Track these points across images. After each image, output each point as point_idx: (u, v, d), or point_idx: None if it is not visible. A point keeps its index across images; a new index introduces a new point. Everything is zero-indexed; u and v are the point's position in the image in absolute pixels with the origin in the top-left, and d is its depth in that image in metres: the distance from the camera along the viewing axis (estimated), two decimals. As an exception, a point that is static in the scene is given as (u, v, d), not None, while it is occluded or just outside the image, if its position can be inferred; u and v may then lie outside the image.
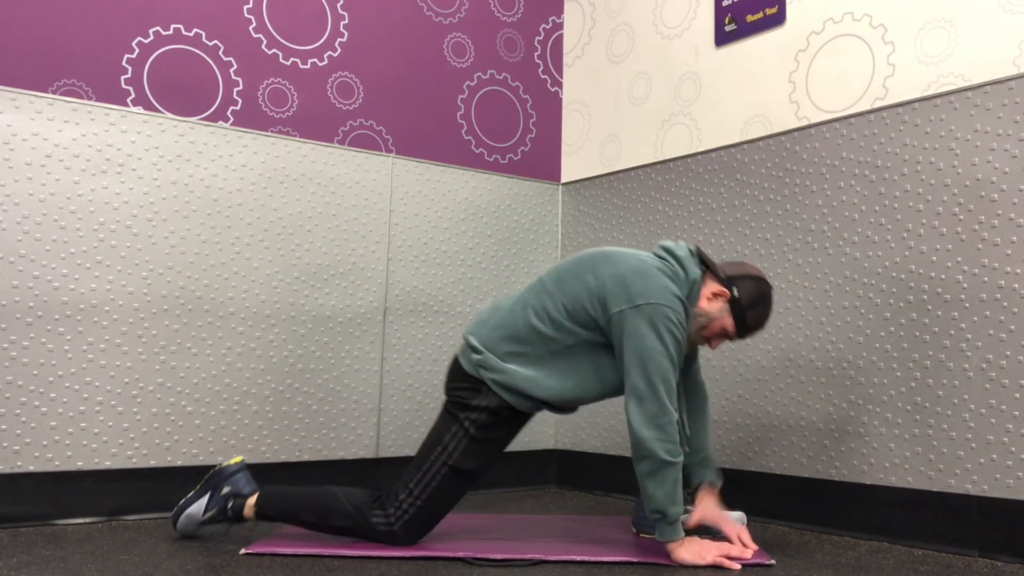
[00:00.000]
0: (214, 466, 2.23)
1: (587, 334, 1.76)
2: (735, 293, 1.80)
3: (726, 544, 1.74)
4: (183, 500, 1.92)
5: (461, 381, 1.83)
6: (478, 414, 1.78)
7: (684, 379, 1.95)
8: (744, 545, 1.77)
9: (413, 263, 2.66)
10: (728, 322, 1.81)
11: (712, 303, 1.80)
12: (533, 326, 1.78)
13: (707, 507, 1.87)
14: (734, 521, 1.84)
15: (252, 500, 1.87)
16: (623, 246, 2.73)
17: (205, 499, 1.90)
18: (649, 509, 1.69)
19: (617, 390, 1.79)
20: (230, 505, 1.87)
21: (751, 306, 1.80)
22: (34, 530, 1.98)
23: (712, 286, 1.81)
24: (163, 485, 2.19)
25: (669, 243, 1.85)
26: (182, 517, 1.90)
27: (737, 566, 1.68)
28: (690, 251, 1.84)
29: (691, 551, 1.69)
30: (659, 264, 1.78)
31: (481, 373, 1.79)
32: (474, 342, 1.82)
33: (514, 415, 1.81)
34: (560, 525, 2.09)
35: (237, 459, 1.95)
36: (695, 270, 1.79)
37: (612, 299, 1.72)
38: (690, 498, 1.92)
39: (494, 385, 1.78)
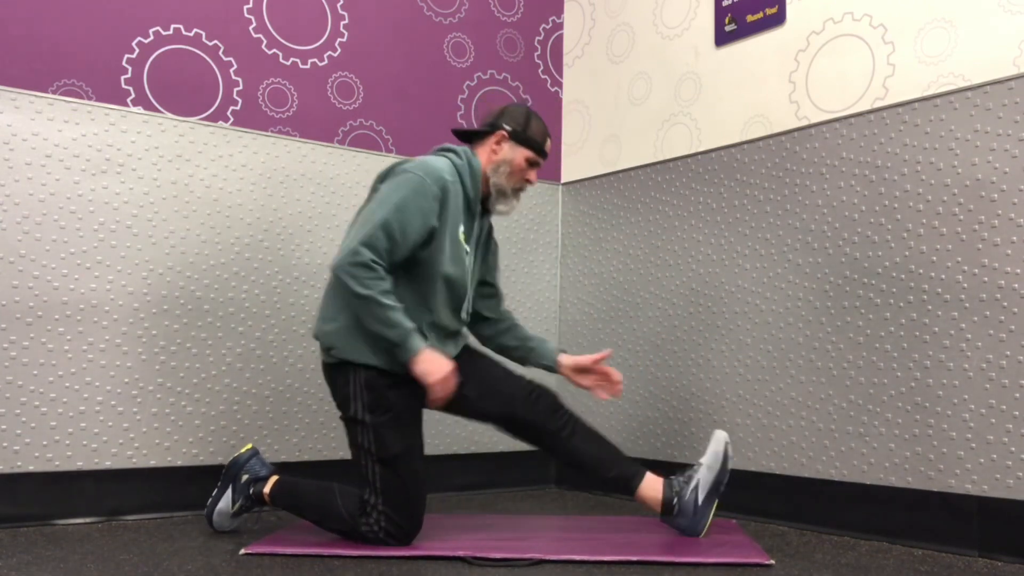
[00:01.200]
0: (214, 466, 2.23)
1: None
2: (506, 127, 1.94)
3: (445, 380, 1.78)
4: (209, 500, 1.98)
5: (333, 380, 1.86)
6: (358, 400, 1.80)
7: (484, 267, 2.07)
8: (606, 372, 2.03)
9: (413, 263, 2.65)
10: (522, 151, 1.94)
11: (498, 150, 1.94)
12: (332, 287, 1.86)
13: (572, 363, 2.04)
14: (590, 356, 2.05)
15: (268, 487, 1.93)
16: (623, 246, 2.73)
17: (229, 492, 1.97)
18: (383, 344, 1.76)
19: (424, 291, 1.85)
20: (252, 491, 1.95)
21: (526, 124, 1.95)
22: (34, 530, 1.98)
23: (488, 141, 1.96)
24: (163, 485, 2.19)
25: (437, 147, 1.99)
26: (215, 516, 1.96)
27: (438, 394, 1.77)
28: (459, 133, 2.01)
29: (423, 367, 1.75)
30: (427, 157, 1.88)
31: (334, 355, 1.83)
32: (317, 338, 1.88)
33: (393, 383, 1.80)
34: (560, 525, 2.09)
35: (247, 447, 2.01)
36: (460, 146, 1.94)
37: (376, 189, 1.86)
38: (553, 369, 2.08)
39: (343, 351, 1.81)
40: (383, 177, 1.88)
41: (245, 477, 1.97)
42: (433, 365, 1.76)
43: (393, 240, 1.76)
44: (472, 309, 2.05)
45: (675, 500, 1.91)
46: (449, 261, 1.85)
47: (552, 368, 2.07)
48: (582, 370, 2.06)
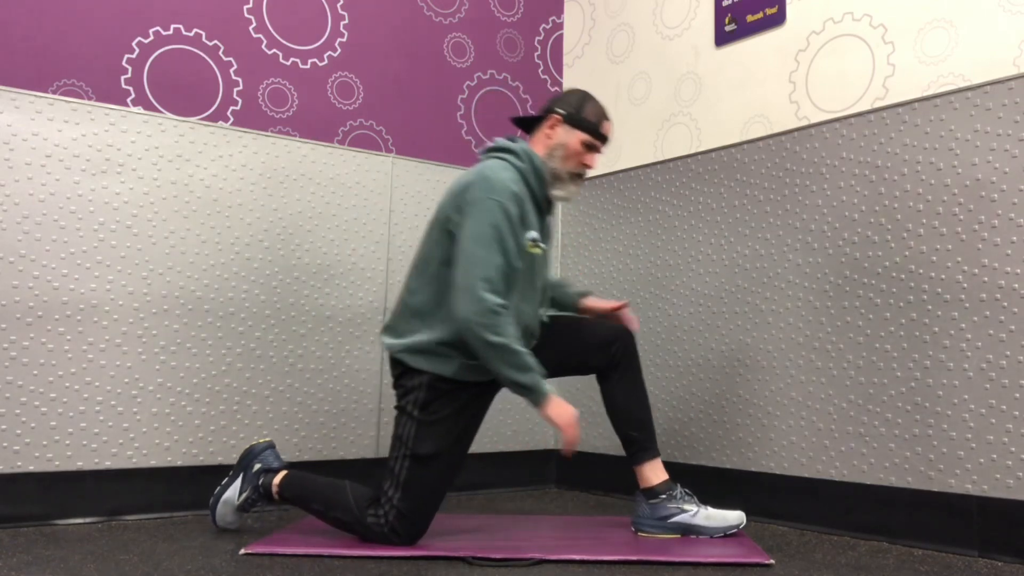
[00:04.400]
0: (214, 466, 2.23)
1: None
2: (560, 110, 1.92)
3: (573, 427, 1.80)
4: (217, 489, 1.98)
5: (395, 369, 1.89)
6: (416, 394, 1.82)
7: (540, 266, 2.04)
8: (621, 312, 2.05)
9: (413, 263, 2.66)
10: (576, 134, 1.92)
11: (553, 134, 1.92)
12: (414, 292, 1.86)
13: (592, 307, 2.10)
14: (610, 302, 2.10)
15: (279, 478, 1.93)
16: (623, 246, 2.73)
17: (238, 482, 1.96)
18: (511, 388, 1.77)
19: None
20: (261, 481, 1.94)
21: (580, 106, 1.93)
22: (34, 530, 1.98)
23: (542, 127, 1.95)
24: (163, 485, 2.19)
25: (488, 144, 1.99)
26: (219, 506, 1.95)
27: (566, 451, 1.80)
28: (506, 137, 1.97)
29: (554, 410, 1.78)
30: (488, 163, 1.86)
31: (400, 356, 1.85)
32: (386, 339, 1.91)
33: (453, 389, 1.83)
34: (560, 525, 2.09)
35: (264, 439, 2.02)
36: (516, 143, 1.92)
37: (453, 222, 1.82)
38: (575, 311, 2.14)
39: (412, 360, 1.83)
40: (458, 207, 1.81)
41: (257, 466, 1.96)
42: (562, 412, 1.79)
43: (503, 276, 1.77)
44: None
45: (663, 496, 1.93)
46: (526, 266, 1.86)
47: (575, 312, 2.14)
48: (603, 314, 2.12)
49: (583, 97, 1.95)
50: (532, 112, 3.07)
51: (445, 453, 1.81)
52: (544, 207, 1.95)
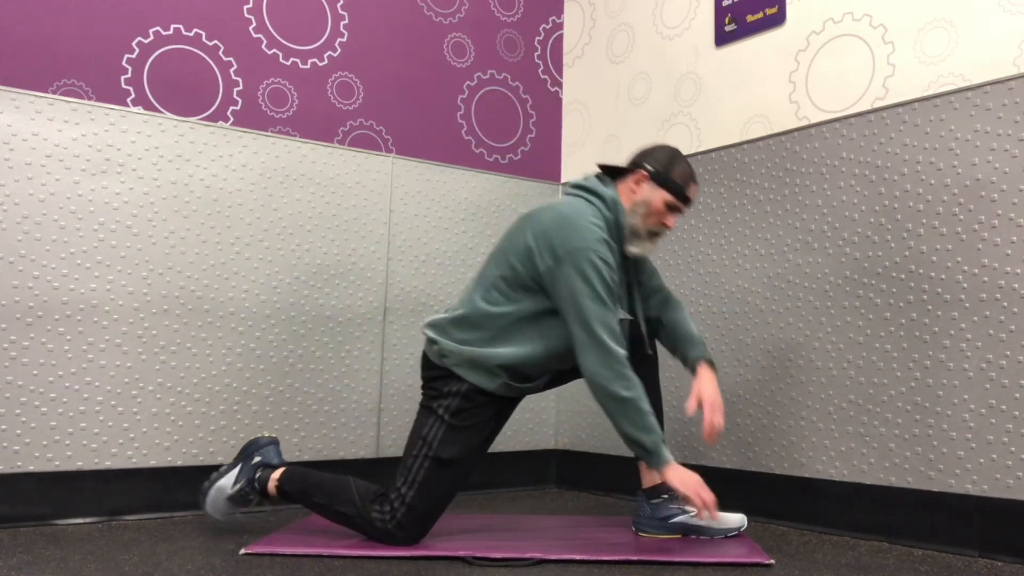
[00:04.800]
0: (214, 466, 2.23)
1: (533, 301, 1.81)
2: (648, 167, 1.89)
3: (701, 491, 1.77)
4: (214, 474, 1.97)
5: (431, 371, 1.88)
6: (450, 400, 1.82)
7: (644, 288, 2.05)
8: (712, 425, 1.87)
9: (413, 263, 2.66)
10: (661, 193, 1.89)
11: (637, 190, 1.89)
12: (481, 309, 1.84)
13: (702, 383, 1.93)
14: (713, 397, 1.90)
15: (277, 475, 1.92)
16: (623, 246, 2.73)
17: (235, 471, 1.95)
18: (629, 446, 1.77)
19: (568, 349, 1.83)
20: (258, 475, 1.93)
21: (669, 166, 1.89)
22: (34, 530, 1.98)
23: (628, 181, 1.91)
24: (163, 485, 2.19)
25: (578, 179, 1.94)
26: (212, 490, 1.94)
27: (704, 514, 1.77)
28: (597, 176, 1.95)
29: (677, 477, 1.76)
30: (577, 204, 1.84)
31: (444, 361, 1.84)
32: (431, 334, 1.88)
33: (489, 401, 1.83)
34: (560, 525, 2.09)
35: (269, 435, 2.02)
36: (607, 189, 1.89)
37: (539, 258, 1.78)
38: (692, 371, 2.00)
39: (457, 368, 1.82)
40: (553, 252, 1.76)
41: (257, 459, 1.95)
42: (686, 478, 1.77)
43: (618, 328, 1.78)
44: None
45: (665, 496, 1.94)
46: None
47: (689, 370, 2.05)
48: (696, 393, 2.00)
49: (672, 156, 1.91)
50: (532, 113, 3.07)
51: (466, 458, 1.82)
52: (618, 259, 1.90)
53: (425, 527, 1.81)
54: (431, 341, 1.88)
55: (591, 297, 1.74)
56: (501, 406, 1.87)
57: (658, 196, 1.88)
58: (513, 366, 1.82)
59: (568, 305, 1.76)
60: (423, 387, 1.90)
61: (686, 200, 1.91)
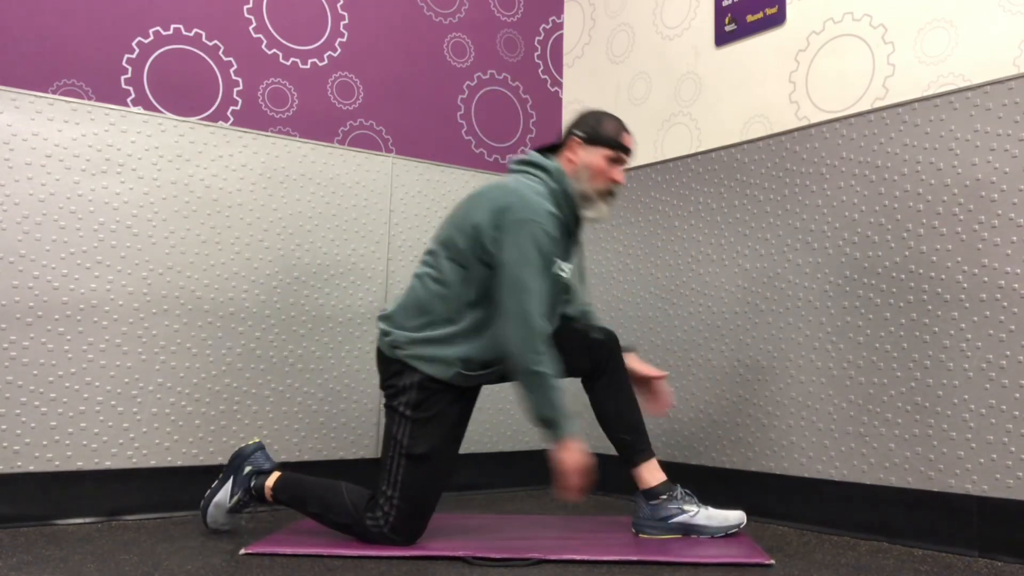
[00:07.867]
0: (214, 466, 2.23)
1: (482, 282, 1.82)
2: (577, 132, 1.94)
3: (575, 475, 1.78)
4: (208, 492, 1.97)
5: (386, 367, 1.88)
6: (408, 394, 1.82)
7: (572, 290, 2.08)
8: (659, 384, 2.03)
9: (413, 263, 2.66)
10: (598, 151, 1.92)
11: (575, 157, 1.92)
12: (432, 291, 1.85)
13: (631, 366, 2.05)
14: (652, 368, 2.07)
15: (272, 480, 1.92)
16: (623, 246, 2.73)
17: (228, 484, 1.95)
18: (537, 420, 1.78)
19: None
20: (253, 484, 1.93)
21: (596, 125, 1.94)
22: (34, 530, 1.98)
23: (564, 153, 1.95)
24: (163, 485, 2.19)
25: (518, 156, 1.98)
26: (210, 508, 1.95)
27: (568, 496, 1.80)
28: (537, 149, 1.99)
29: (565, 454, 1.77)
30: (522, 179, 1.87)
31: (396, 353, 1.84)
32: (383, 326, 1.89)
33: (446, 388, 1.83)
34: (560, 525, 2.09)
35: (253, 440, 2.01)
36: (550, 161, 1.93)
37: (485, 234, 1.80)
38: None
39: (410, 360, 1.83)
40: (497, 224, 1.79)
41: (248, 468, 1.95)
42: (571, 457, 1.78)
43: (546, 300, 1.79)
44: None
45: (663, 497, 1.93)
46: (550, 288, 1.86)
47: None
48: (640, 378, 2.08)
49: (598, 115, 1.96)
50: (532, 112, 3.07)
51: (439, 450, 1.82)
52: (572, 230, 1.94)
53: (418, 525, 1.80)
54: (383, 333, 1.88)
55: (529, 266, 1.75)
56: (459, 392, 1.86)
57: (596, 155, 1.92)
58: (468, 355, 1.82)
59: (505, 272, 1.76)
60: (382, 387, 1.90)
61: (623, 148, 1.94)
